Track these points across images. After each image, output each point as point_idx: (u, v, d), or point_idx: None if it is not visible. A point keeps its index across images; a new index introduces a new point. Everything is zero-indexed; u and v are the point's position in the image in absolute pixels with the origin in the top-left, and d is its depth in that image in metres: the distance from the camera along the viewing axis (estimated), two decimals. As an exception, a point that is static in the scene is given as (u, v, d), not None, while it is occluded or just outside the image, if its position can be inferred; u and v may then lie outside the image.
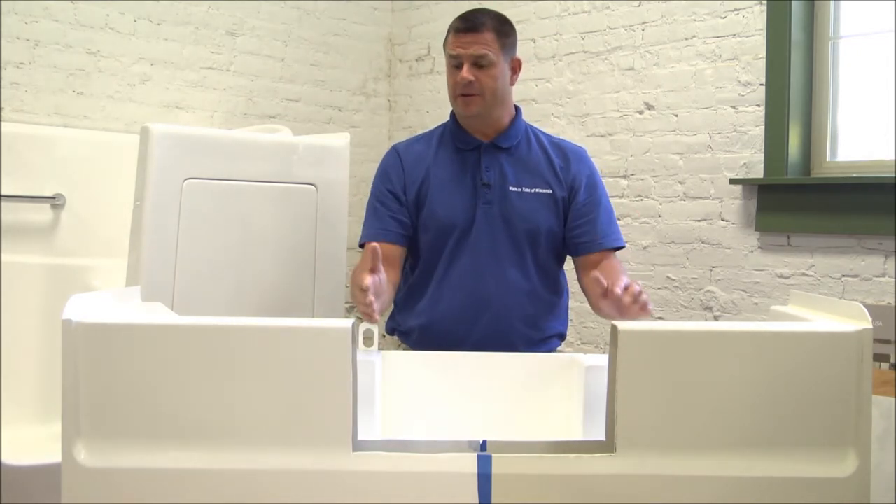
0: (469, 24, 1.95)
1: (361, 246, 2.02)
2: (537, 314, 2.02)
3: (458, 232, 1.99)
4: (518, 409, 1.72)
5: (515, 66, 2.01)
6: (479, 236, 1.98)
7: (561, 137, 2.16)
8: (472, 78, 1.93)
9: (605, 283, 1.56)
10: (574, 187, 2.02)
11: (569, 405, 1.72)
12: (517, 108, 2.06)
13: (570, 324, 2.20)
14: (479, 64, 1.93)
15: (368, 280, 1.62)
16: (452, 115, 2.06)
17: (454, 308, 1.97)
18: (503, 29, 1.98)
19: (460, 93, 1.95)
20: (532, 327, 2.01)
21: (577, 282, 2.16)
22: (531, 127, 2.09)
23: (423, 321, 2.01)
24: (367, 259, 1.68)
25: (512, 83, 2.02)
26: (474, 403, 1.70)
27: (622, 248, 2.05)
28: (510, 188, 1.99)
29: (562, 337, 2.10)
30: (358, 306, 1.69)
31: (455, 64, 1.95)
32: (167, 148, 2.25)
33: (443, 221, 1.98)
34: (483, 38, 1.94)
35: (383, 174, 2.07)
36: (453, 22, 1.99)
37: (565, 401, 1.72)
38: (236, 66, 3.27)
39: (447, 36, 2.00)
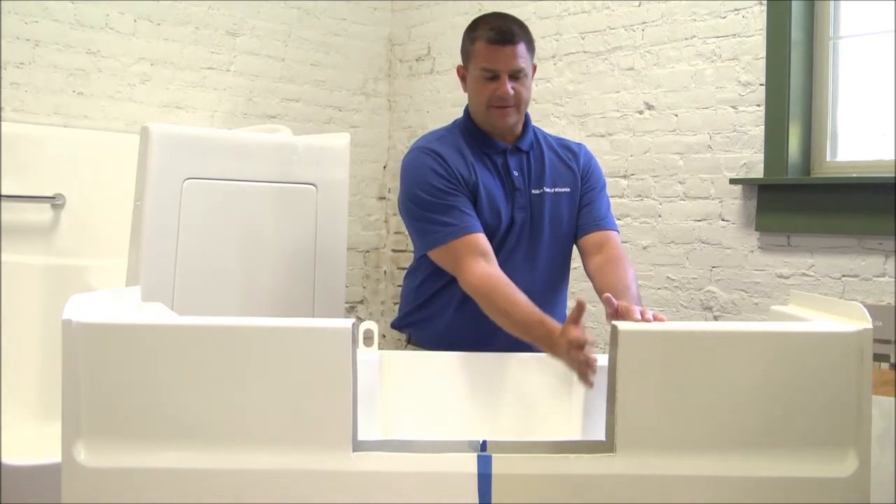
0: (505, 36, 1.91)
1: (423, 249, 1.95)
2: (551, 312, 2.02)
3: (498, 236, 1.98)
4: (518, 409, 1.72)
5: (533, 71, 2.02)
6: (512, 239, 1.98)
7: (559, 136, 2.16)
8: (512, 93, 1.92)
9: (615, 303, 1.48)
10: (582, 178, 2.03)
11: (569, 405, 1.72)
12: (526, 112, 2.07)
13: (569, 324, 2.19)
14: (515, 76, 1.92)
15: (583, 334, 1.48)
16: (469, 118, 2.04)
17: (478, 326, 1.95)
18: (530, 36, 1.97)
19: (496, 105, 1.93)
20: None
21: (576, 282, 2.17)
22: (535, 127, 2.09)
23: (449, 322, 1.99)
24: (575, 314, 1.53)
25: None
26: (474, 403, 1.70)
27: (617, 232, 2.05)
28: (533, 191, 2.00)
29: None
30: (575, 365, 1.53)
31: (489, 77, 1.92)
32: (167, 148, 2.25)
33: (489, 226, 1.96)
34: (519, 50, 1.91)
35: (433, 174, 1.93)
36: (482, 31, 1.94)
37: (565, 401, 1.72)
38: (236, 66, 3.27)
39: (473, 44, 1.95)
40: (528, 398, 1.73)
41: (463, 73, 2.02)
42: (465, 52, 2.00)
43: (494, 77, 1.92)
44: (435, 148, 1.98)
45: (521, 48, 1.92)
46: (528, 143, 2.02)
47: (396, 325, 2.15)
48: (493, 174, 1.99)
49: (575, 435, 1.63)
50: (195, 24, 3.14)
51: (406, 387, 1.72)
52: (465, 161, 1.98)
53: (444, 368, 1.75)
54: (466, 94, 2.02)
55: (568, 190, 2.02)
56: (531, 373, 1.76)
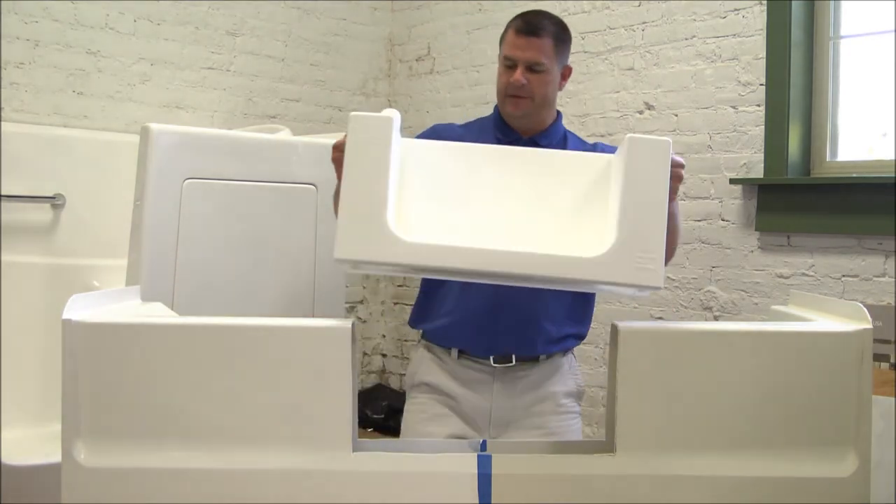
0: (531, 27, 1.93)
1: None
2: (559, 312, 2.01)
3: None
4: (548, 208, 1.47)
5: (566, 73, 2.03)
6: None
7: (597, 141, 2.15)
8: (524, 81, 1.93)
9: None
10: None
11: (605, 210, 1.44)
12: (558, 112, 2.08)
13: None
14: (532, 69, 1.93)
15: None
16: (496, 107, 2.07)
17: (481, 305, 1.96)
18: (562, 36, 1.98)
19: (511, 93, 1.95)
20: (553, 324, 1.99)
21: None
22: (570, 132, 2.10)
23: (450, 320, 1.99)
24: None
25: (560, 88, 2.03)
26: (501, 198, 1.49)
27: None
28: None
29: (579, 338, 2.08)
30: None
31: (508, 65, 1.95)
32: (167, 148, 2.25)
33: None
34: (541, 43, 1.93)
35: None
36: (515, 19, 1.98)
37: (601, 204, 1.45)
38: (236, 66, 3.27)
39: (506, 31, 1.99)
40: (559, 196, 1.49)
41: None
42: (500, 41, 2.02)
43: (513, 66, 1.94)
44: (440, 126, 2.09)
45: (546, 43, 1.93)
46: (548, 140, 2.02)
47: (412, 322, 2.15)
48: None
49: (608, 240, 1.34)
50: (195, 24, 3.14)
51: (427, 176, 1.49)
52: (466, 140, 1.99)
53: (471, 160, 1.54)
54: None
55: None
56: (570, 171, 1.52)
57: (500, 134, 2.02)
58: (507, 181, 1.48)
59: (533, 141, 2.01)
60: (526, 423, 1.92)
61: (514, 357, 1.91)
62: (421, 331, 2.07)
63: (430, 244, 1.28)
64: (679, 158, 1.53)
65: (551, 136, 2.03)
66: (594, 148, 2.06)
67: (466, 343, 1.93)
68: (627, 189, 1.31)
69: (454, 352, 1.95)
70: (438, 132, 2.05)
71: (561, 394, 1.95)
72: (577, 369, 2.03)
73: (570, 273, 1.29)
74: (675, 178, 1.50)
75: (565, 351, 2.00)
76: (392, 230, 1.27)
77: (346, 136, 1.38)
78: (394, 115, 1.43)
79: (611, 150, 2.04)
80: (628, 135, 1.34)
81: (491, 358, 1.91)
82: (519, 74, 1.93)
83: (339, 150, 1.54)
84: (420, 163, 1.46)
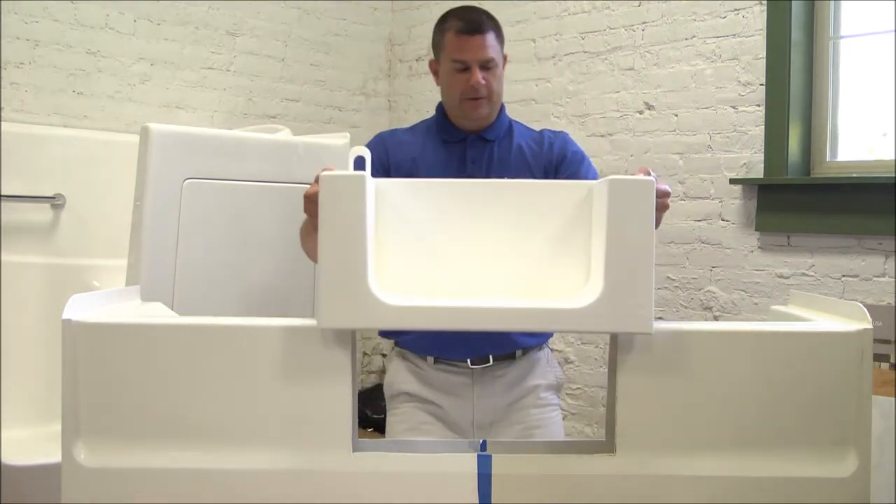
0: (474, 25, 1.91)
1: None
2: None
3: None
4: (529, 247, 1.45)
5: (505, 62, 2.02)
6: None
7: (544, 127, 2.14)
8: (484, 82, 1.92)
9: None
10: (552, 160, 1.99)
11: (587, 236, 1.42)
12: (502, 104, 2.06)
13: (570, 324, 2.18)
14: (485, 67, 1.92)
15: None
16: (439, 108, 2.05)
17: None
18: (499, 27, 1.97)
19: (470, 96, 1.94)
20: None
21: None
22: (514, 121, 2.08)
23: (423, 330, 1.98)
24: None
25: None
26: (480, 241, 1.47)
27: None
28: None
29: None
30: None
31: (460, 68, 1.92)
32: (167, 148, 2.25)
33: None
34: (488, 40, 1.92)
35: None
36: (451, 23, 1.94)
37: (583, 238, 1.42)
38: (236, 66, 3.27)
39: (443, 36, 1.96)
40: (540, 227, 1.46)
41: (435, 68, 2.02)
42: (436, 46, 1.99)
43: (465, 68, 1.92)
44: (385, 133, 2.07)
45: (491, 38, 1.92)
46: (495, 134, 2.00)
47: (383, 333, 2.15)
48: (444, 162, 1.98)
49: (594, 286, 1.32)
50: (195, 24, 3.14)
51: (403, 217, 1.47)
52: (411, 146, 1.98)
53: (451, 199, 1.49)
54: (440, 88, 2.02)
55: None
56: (549, 205, 1.48)
57: (445, 135, 2.00)
58: (485, 220, 1.45)
59: (481, 137, 1.99)
60: (507, 420, 1.91)
61: (491, 357, 1.90)
62: (393, 340, 2.06)
63: (414, 307, 1.26)
64: (664, 187, 1.47)
65: (497, 128, 2.01)
66: (541, 135, 2.04)
67: (442, 349, 1.92)
68: (612, 236, 1.26)
69: (430, 358, 1.93)
70: (384, 139, 2.03)
71: (542, 387, 1.95)
72: (554, 363, 2.03)
73: (558, 325, 1.34)
74: (661, 208, 1.45)
75: (541, 345, 2.00)
76: (376, 295, 1.25)
77: (317, 182, 1.33)
78: (364, 155, 1.42)
79: (560, 138, 2.03)
80: (610, 177, 1.29)
81: (468, 360, 1.90)
82: (478, 76, 1.90)
83: (311, 202, 1.48)
84: (395, 209, 1.44)
